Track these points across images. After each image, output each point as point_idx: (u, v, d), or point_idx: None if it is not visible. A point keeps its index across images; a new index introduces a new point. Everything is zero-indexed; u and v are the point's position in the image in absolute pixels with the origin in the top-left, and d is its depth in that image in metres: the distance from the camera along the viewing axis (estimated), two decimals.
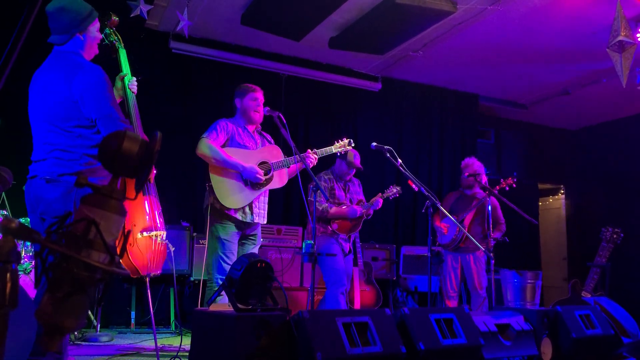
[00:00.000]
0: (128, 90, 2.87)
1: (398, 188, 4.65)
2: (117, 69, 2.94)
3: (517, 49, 6.03)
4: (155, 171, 2.89)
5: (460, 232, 4.75)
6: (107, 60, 2.80)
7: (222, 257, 3.43)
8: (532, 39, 5.77)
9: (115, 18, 2.94)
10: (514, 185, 4.79)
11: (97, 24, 2.48)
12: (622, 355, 3.70)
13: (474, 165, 5.04)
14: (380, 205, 4.45)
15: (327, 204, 4.21)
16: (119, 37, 2.97)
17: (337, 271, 4.18)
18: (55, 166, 2.27)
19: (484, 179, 5.01)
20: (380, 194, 4.53)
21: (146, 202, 2.87)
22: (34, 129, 2.40)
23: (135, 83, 2.92)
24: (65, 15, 2.37)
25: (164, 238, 2.90)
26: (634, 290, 6.78)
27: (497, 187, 4.80)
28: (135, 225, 2.79)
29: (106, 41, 2.90)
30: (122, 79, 2.88)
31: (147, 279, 2.86)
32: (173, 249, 3.12)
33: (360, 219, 4.38)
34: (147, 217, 2.85)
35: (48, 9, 2.38)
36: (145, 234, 2.82)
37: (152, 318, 3.09)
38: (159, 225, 2.89)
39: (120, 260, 2.75)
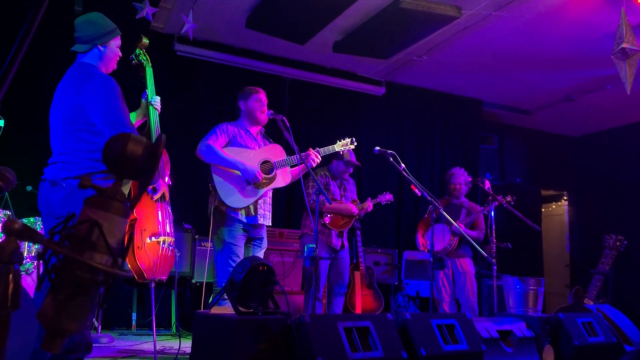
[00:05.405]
0: (150, 107, 3.02)
1: (391, 196, 4.86)
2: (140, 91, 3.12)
3: (521, 55, 6.03)
4: (170, 183, 3.02)
5: (452, 240, 4.91)
6: (135, 81, 3.07)
7: (229, 260, 3.41)
8: (536, 45, 5.76)
9: (145, 41, 3.16)
10: (512, 203, 4.89)
11: (119, 41, 2.60)
12: None
13: (463, 174, 5.18)
14: (370, 208, 4.66)
15: (323, 198, 4.25)
16: (148, 57, 3.17)
17: (319, 277, 4.21)
18: (60, 170, 2.36)
19: (465, 189, 5.15)
20: (370, 198, 4.75)
21: (159, 209, 2.98)
22: (50, 134, 2.51)
23: (159, 101, 3.06)
24: (91, 26, 2.53)
25: (172, 244, 2.97)
26: (637, 298, 6.74)
27: (495, 204, 4.90)
28: (145, 230, 2.91)
29: (135, 60, 3.13)
30: (146, 97, 3.04)
31: (152, 284, 2.89)
32: (179, 254, 3.18)
33: (352, 218, 4.53)
34: (158, 223, 2.96)
35: (76, 21, 2.55)
36: (153, 238, 2.92)
37: (154, 321, 3.08)
38: (167, 231, 2.99)
39: (127, 262, 2.80)
